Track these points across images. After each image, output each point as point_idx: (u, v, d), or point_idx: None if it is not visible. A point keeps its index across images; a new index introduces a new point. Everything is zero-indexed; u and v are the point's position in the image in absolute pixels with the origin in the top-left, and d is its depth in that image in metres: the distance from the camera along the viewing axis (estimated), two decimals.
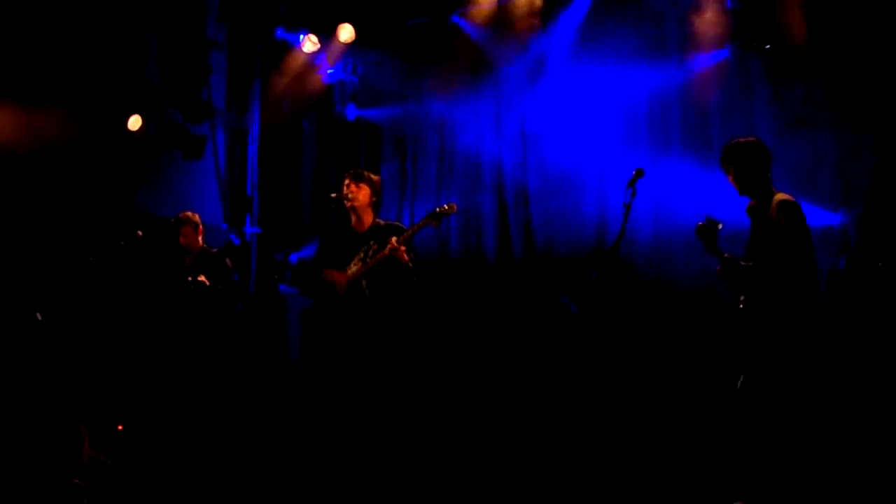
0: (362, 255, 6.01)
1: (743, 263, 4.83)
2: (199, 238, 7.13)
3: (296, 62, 8.61)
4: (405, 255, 5.78)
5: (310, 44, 8.39)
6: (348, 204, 6.03)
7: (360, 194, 6.05)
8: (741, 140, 5.05)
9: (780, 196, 4.87)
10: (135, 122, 8.07)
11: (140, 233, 6.84)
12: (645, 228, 7.49)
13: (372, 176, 6.15)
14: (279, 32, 8.56)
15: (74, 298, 7.16)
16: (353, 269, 6.01)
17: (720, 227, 4.84)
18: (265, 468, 6.23)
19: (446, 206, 5.90)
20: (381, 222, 6.15)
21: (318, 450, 6.04)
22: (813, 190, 6.57)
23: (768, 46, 6.96)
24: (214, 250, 7.21)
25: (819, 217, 6.45)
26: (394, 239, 5.79)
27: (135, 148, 8.25)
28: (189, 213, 7.14)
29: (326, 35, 8.38)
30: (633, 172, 5.07)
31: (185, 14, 8.45)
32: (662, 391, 6.85)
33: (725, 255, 4.87)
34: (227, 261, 7.14)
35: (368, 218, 6.11)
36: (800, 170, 6.62)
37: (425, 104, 8.55)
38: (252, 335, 7.99)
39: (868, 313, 6.03)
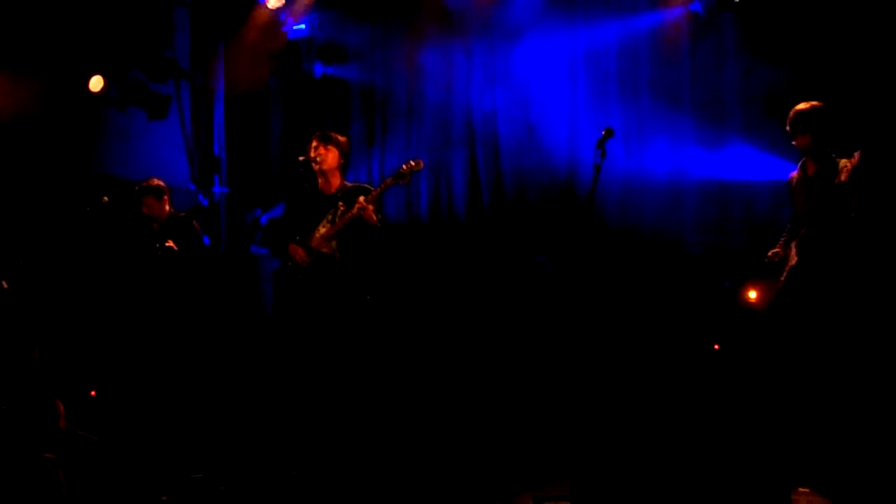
0: (330, 216, 5.97)
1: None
2: (166, 205, 6.99)
3: (261, 19, 8.43)
4: (373, 215, 5.76)
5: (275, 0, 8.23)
6: (316, 167, 5.98)
7: (329, 156, 6.00)
8: (813, 105, 5.03)
9: (848, 161, 4.96)
10: (96, 83, 7.88)
11: (105, 199, 6.69)
12: (615, 178, 7.49)
13: (339, 137, 6.11)
14: None
15: (41, 266, 7.06)
16: (321, 231, 5.97)
17: None
18: (240, 435, 6.24)
19: (413, 163, 5.89)
20: (349, 184, 6.11)
21: (291, 414, 6.04)
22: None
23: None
24: (182, 214, 7.08)
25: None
26: (362, 198, 5.78)
27: (97, 109, 8.09)
28: (153, 181, 6.95)
29: None
30: (602, 132, 4.91)
31: None
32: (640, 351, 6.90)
33: None
34: (196, 224, 7.04)
35: (336, 180, 6.07)
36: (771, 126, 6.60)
37: (393, 60, 8.42)
38: (224, 298, 7.94)
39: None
